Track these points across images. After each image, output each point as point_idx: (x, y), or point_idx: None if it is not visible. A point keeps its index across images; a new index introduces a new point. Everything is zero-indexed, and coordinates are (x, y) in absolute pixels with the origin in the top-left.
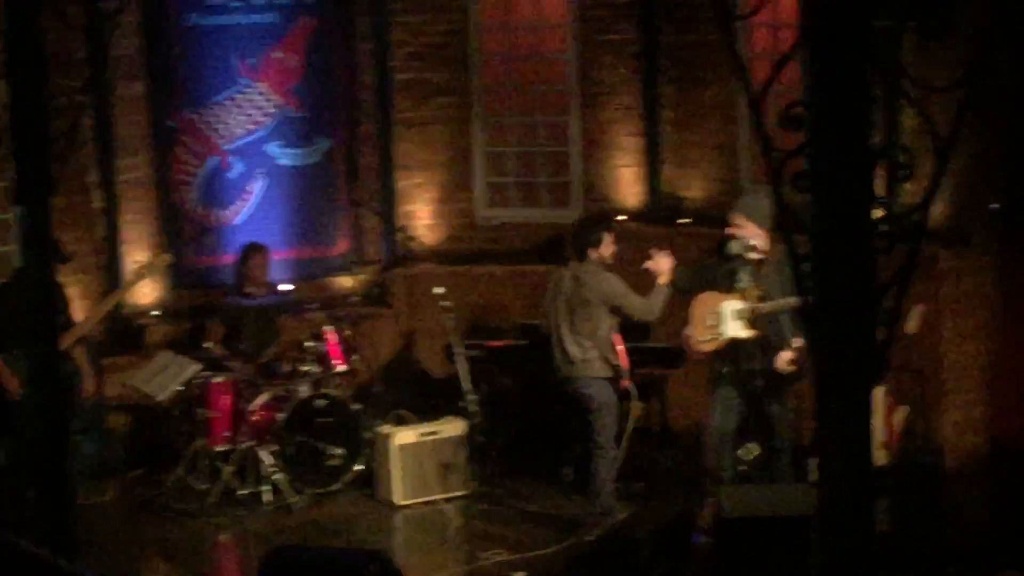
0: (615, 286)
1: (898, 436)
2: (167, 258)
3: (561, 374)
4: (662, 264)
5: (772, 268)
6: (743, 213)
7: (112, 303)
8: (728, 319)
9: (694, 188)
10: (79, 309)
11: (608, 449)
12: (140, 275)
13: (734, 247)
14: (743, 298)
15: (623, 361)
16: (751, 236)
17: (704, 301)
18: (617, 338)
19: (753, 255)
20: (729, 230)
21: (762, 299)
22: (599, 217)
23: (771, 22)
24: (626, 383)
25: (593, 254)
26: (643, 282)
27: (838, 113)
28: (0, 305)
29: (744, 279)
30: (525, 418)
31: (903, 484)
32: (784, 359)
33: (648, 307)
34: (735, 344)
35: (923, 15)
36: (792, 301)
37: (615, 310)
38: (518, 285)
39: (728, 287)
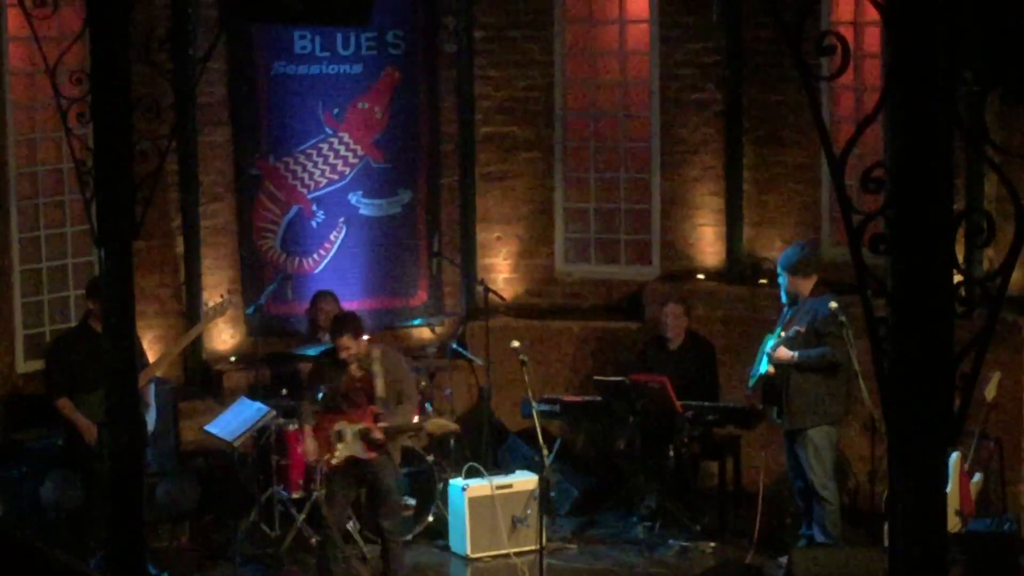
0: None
1: (973, 503)
2: (235, 299)
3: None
4: None
5: (803, 308)
6: (780, 264)
7: (183, 344)
8: (763, 356)
9: (775, 249)
10: (157, 352)
11: None
12: (209, 316)
13: (785, 296)
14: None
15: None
16: (790, 283)
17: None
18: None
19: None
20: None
21: (791, 338)
22: None
23: (855, 85)
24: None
25: None
26: (730, 344)
27: (919, 177)
28: (70, 350)
29: (782, 321)
30: (599, 474)
31: (977, 552)
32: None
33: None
34: (777, 390)
35: (1007, 81)
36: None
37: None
38: (595, 341)
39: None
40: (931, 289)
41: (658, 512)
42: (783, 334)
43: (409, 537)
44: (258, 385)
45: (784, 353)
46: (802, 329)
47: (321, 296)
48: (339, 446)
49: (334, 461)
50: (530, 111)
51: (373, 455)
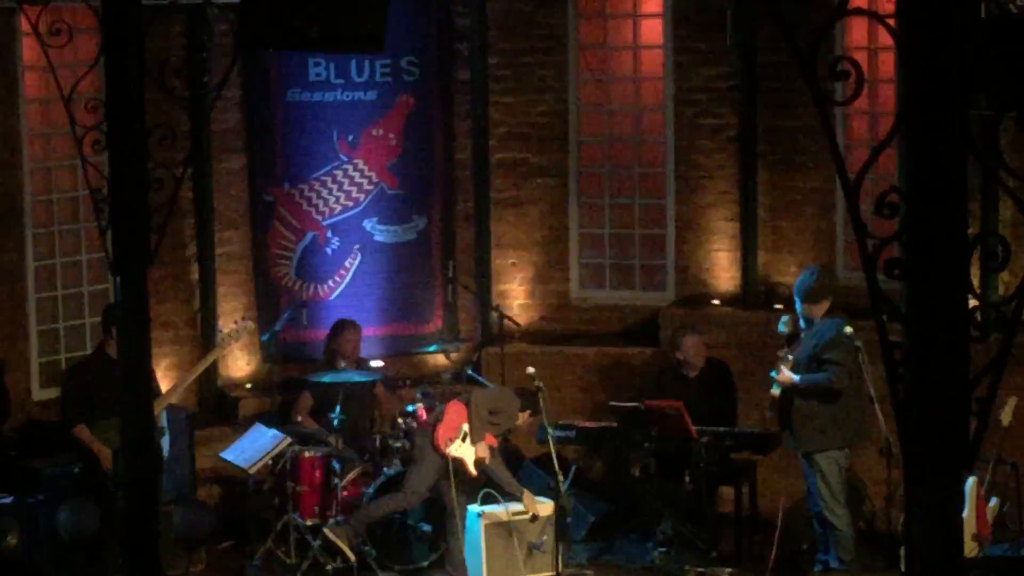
0: None
1: (990, 528)
2: (250, 325)
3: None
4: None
5: (809, 332)
6: (794, 289)
7: (198, 371)
8: (774, 383)
9: (789, 274)
10: (173, 379)
11: None
12: (224, 343)
13: (802, 320)
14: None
15: None
16: (804, 309)
17: None
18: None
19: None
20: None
21: (794, 364)
22: None
23: (869, 110)
24: None
25: None
26: (745, 369)
27: (934, 201)
28: (87, 378)
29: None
30: (615, 500)
31: None
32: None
33: None
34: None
35: (1021, 105)
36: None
37: None
38: (611, 367)
39: None
40: (946, 314)
41: (674, 538)
42: (790, 356)
43: (425, 564)
44: (273, 412)
45: (786, 376)
46: (786, 356)
47: (347, 326)
48: (459, 443)
49: (452, 452)
50: (544, 137)
51: (474, 472)
